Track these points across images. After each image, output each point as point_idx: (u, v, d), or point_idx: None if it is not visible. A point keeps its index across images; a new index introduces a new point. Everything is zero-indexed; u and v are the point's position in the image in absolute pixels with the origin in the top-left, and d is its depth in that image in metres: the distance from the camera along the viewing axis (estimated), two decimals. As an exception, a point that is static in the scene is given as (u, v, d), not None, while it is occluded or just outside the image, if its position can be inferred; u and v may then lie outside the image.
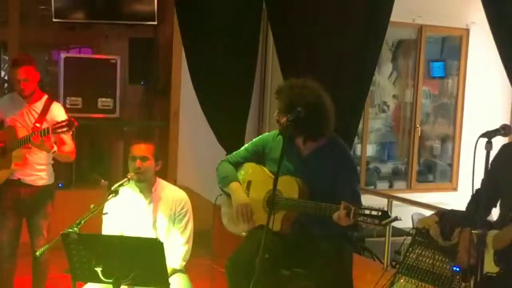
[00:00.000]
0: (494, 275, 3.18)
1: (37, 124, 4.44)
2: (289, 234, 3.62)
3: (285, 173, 3.54)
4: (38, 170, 4.54)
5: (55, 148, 4.44)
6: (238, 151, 3.95)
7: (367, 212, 3.25)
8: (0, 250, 4.54)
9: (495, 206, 3.36)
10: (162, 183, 3.98)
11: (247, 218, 3.72)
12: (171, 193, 3.95)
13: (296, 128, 3.44)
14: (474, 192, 3.50)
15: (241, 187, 3.81)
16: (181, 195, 3.98)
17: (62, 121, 4.35)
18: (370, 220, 3.23)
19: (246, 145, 3.97)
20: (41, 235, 4.55)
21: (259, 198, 3.72)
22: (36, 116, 4.51)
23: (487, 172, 3.12)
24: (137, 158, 3.80)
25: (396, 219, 3.23)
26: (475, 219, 3.11)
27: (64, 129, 4.31)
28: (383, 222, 3.20)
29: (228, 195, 3.87)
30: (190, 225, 3.93)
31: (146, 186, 3.89)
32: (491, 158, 3.05)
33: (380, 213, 3.21)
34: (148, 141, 3.95)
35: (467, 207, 3.55)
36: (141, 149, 3.84)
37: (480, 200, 3.17)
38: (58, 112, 4.58)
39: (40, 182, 4.56)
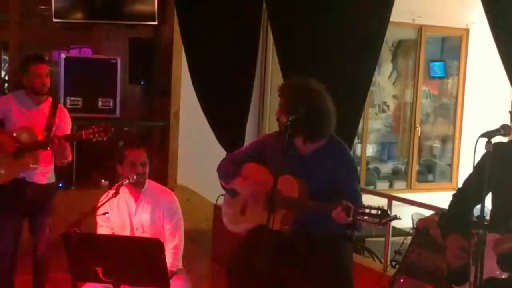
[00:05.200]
0: (500, 280, 3.15)
1: (46, 127, 4.47)
2: (289, 233, 3.62)
3: (285, 172, 3.54)
4: (42, 169, 4.55)
5: (70, 156, 4.48)
6: (238, 150, 3.95)
7: (366, 211, 3.25)
8: (2, 249, 4.55)
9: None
10: (151, 184, 3.99)
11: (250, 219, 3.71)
12: (159, 194, 3.97)
13: (297, 128, 3.45)
14: (456, 191, 3.49)
15: (245, 181, 3.80)
16: (169, 195, 4.00)
17: (98, 126, 4.36)
18: (370, 218, 3.23)
19: (246, 144, 3.97)
20: (44, 233, 4.57)
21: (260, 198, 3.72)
22: (45, 117, 4.52)
23: (478, 171, 3.11)
24: (138, 164, 3.83)
25: (395, 217, 3.23)
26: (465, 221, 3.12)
27: (102, 134, 4.34)
28: (382, 221, 3.20)
29: (231, 193, 3.87)
30: (181, 225, 3.94)
31: (137, 187, 3.91)
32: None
33: (379, 212, 3.22)
34: (142, 145, 3.97)
35: (450, 208, 3.52)
36: (140, 155, 3.87)
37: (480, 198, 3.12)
38: (64, 116, 4.63)
39: (44, 181, 4.58)
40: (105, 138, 4.42)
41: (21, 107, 4.54)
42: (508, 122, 3.20)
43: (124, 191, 3.89)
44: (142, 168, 3.84)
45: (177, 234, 3.90)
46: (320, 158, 3.62)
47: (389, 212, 3.23)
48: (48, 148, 4.41)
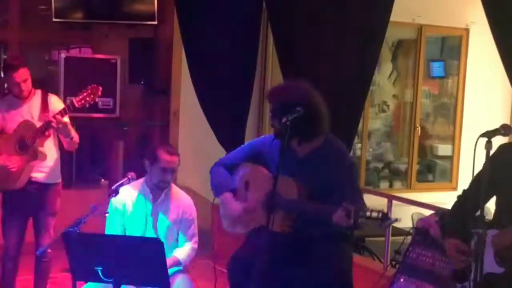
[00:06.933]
0: (497, 275, 3.16)
1: (40, 117, 4.45)
2: (289, 233, 3.60)
3: (283, 174, 3.50)
4: (48, 168, 4.54)
5: (73, 133, 4.46)
6: (233, 152, 3.90)
7: (367, 214, 3.20)
8: (6, 250, 4.55)
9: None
10: (172, 188, 4.02)
11: (247, 224, 3.70)
12: (179, 199, 3.99)
13: (291, 130, 3.39)
14: (461, 194, 3.48)
15: (232, 197, 3.75)
16: (188, 201, 4.05)
17: (86, 90, 4.38)
18: (371, 221, 3.20)
19: (242, 146, 3.93)
20: (48, 233, 4.56)
21: (258, 199, 3.70)
22: (37, 111, 4.51)
23: (483, 171, 3.11)
24: (169, 171, 3.85)
25: (396, 220, 3.22)
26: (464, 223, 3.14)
27: (92, 96, 4.35)
28: (384, 225, 3.18)
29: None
30: (197, 230, 4.05)
31: (158, 190, 3.94)
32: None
33: (380, 215, 3.18)
34: (176, 151, 3.97)
35: (454, 210, 3.52)
36: (174, 162, 3.89)
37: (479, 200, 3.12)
38: (57, 103, 4.61)
39: (49, 180, 4.57)
40: (96, 99, 4.42)
41: (11, 109, 4.53)
42: (508, 122, 3.20)
43: (144, 191, 3.91)
44: (171, 176, 3.86)
45: (195, 237, 4.01)
46: (317, 159, 3.55)
47: (389, 216, 3.20)
48: (49, 132, 4.38)
